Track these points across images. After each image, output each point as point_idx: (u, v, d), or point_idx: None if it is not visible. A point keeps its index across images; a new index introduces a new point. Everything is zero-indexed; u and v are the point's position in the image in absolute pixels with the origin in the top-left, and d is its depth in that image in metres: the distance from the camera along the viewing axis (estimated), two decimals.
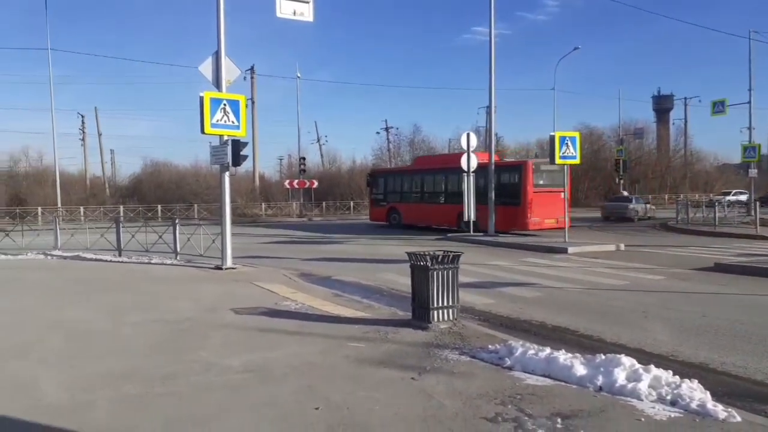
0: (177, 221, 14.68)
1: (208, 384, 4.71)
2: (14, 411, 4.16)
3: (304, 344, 5.90)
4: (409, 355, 5.45)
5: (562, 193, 18.36)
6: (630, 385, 4.29)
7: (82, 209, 33.29)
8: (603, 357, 4.82)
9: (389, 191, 26.84)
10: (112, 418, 4.04)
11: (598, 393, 4.33)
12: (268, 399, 4.34)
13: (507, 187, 20.35)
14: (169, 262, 13.45)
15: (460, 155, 19.75)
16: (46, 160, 45.35)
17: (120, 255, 14.63)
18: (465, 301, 7.88)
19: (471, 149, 19.06)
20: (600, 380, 4.45)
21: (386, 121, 58.49)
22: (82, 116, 51.13)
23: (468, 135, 19.45)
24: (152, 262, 13.57)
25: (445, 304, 6.38)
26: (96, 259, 14.16)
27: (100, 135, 52.34)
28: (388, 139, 58.06)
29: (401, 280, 10.27)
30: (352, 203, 43.07)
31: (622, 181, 40.54)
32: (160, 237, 14.74)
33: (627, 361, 4.64)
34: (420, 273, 6.42)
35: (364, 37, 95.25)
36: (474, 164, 19.05)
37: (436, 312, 6.35)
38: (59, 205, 32.86)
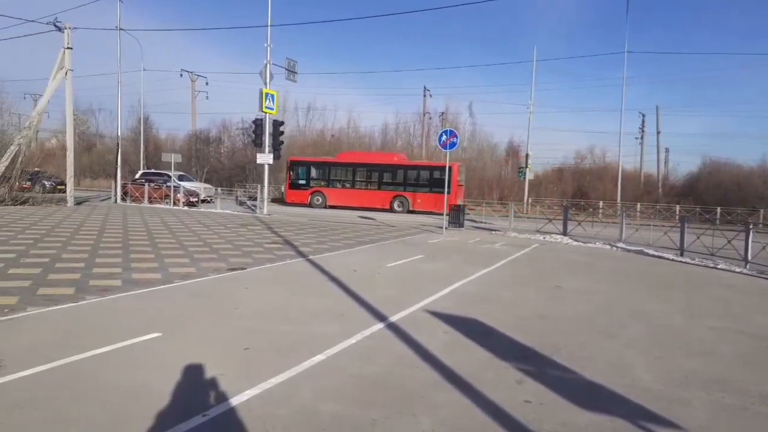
0: (751, 226, 13.24)
1: None
2: (611, 384, 4.60)
3: None
4: None
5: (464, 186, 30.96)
6: None
7: (638, 206, 34.45)
8: None
9: (313, 177, 32.00)
10: (711, 421, 3.94)
11: None
12: None
13: (439, 181, 27.87)
14: (737, 269, 12.31)
15: (391, 155, 32.91)
16: (608, 157, 49.18)
17: (682, 255, 14.35)
18: None
19: None
20: None
21: None
22: (643, 115, 52.57)
23: None
24: (717, 267, 12.73)
25: None
26: (657, 256, 14.34)
27: (658, 133, 52.65)
28: None
29: None
30: None
31: None
32: (729, 242, 13.68)
33: None
34: None
35: None
36: None
37: None
38: (619, 200, 34.99)
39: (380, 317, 6.55)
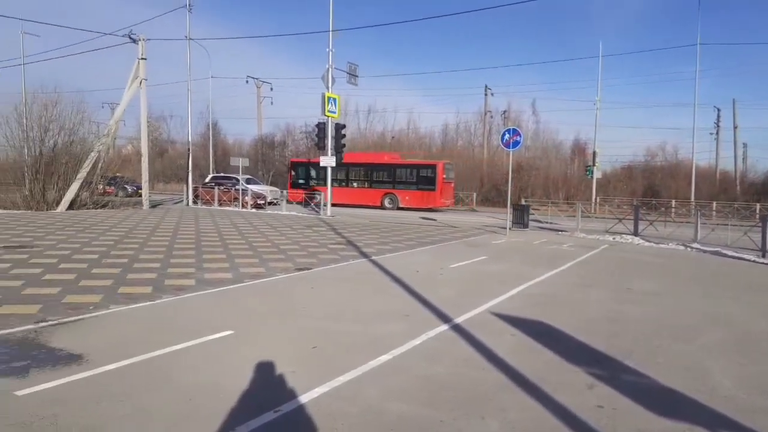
0: None
1: None
2: (689, 390, 4.40)
3: None
4: None
5: (453, 183, 32.43)
6: None
7: (714, 204, 32.68)
8: None
9: (311, 177, 33.49)
10: None
11: None
12: None
13: (426, 179, 30.40)
14: None
15: (383, 155, 33.58)
16: (680, 154, 46.95)
17: (764, 256, 13.51)
18: None
19: None
20: None
21: None
22: (718, 109, 49.81)
23: None
24: None
25: None
26: (735, 257, 13.57)
27: (735, 128, 49.76)
28: None
29: None
30: None
31: None
32: None
33: None
34: None
35: None
36: None
37: None
38: (692, 198, 33.33)
39: (445, 318, 6.54)
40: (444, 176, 30.47)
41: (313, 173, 33.85)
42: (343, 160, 33.11)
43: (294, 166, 35.56)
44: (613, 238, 17.06)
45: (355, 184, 32.59)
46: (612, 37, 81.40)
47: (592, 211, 31.24)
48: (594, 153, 36.40)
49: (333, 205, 30.43)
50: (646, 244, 16.07)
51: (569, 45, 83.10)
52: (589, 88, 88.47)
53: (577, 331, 6.11)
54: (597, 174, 36.24)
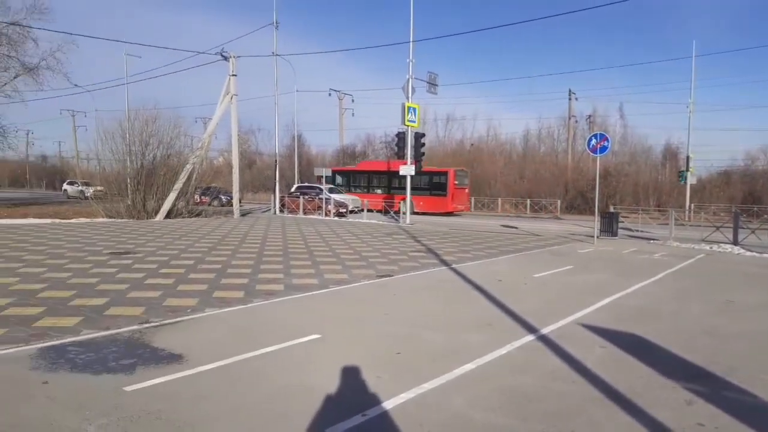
0: None
1: None
2: None
3: None
4: None
5: (467, 189, 34.38)
6: None
7: None
8: None
9: (338, 184, 35.59)
10: None
11: None
12: None
13: (438, 185, 32.07)
14: None
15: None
16: None
17: None
18: None
19: None
20: None
21: None
22: None
23: None
24: None
25: None
26: None
27: None
28: None
29: None
30: None
31: None
32: None
33: None
34: None
35: None
36: None
37: None
38: None
39: (530, 329, 6.42)
40: (456, 182, 32.03)
41: (339, 180, 36.62)
42: (363, 168, 36.15)
43: (334, 173, 37.64)
44: (710, 248, 16.03)
45: (375, 191, 34.67)
46: (706, 36, 76.61)
47: (686, 219, 29.46)
48: (687, 158, 34.35)
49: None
50: (748, 253, 14.98)
51: (659, 46, 79.09)
52: (680, 90, 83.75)
53: (672, 345, 5.81)
54: (691, 180, 34.18)
